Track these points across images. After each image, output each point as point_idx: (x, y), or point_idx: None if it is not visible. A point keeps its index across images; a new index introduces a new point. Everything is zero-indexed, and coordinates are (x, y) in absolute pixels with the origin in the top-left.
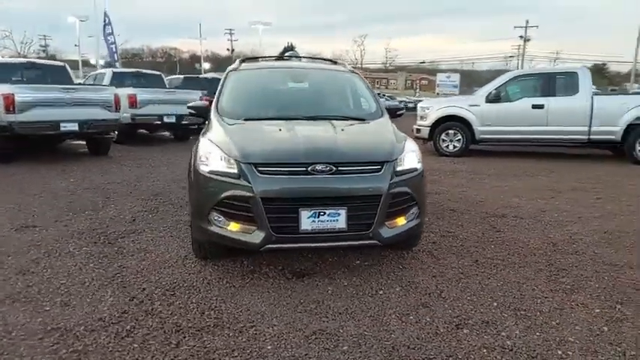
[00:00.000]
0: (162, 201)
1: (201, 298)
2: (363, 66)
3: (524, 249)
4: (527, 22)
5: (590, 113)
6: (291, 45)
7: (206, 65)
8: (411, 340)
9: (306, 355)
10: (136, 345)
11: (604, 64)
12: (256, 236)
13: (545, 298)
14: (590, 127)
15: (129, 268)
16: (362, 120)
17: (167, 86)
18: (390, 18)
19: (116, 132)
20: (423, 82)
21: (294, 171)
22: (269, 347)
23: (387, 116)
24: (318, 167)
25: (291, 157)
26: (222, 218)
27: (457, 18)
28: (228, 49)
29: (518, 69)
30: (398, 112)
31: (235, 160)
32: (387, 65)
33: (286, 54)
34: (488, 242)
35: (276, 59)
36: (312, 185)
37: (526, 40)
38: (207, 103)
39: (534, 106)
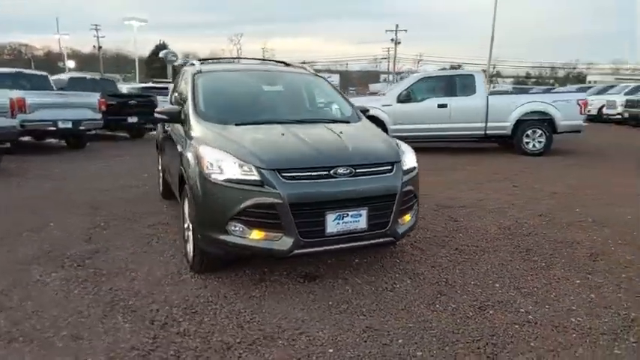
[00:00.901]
0: (107, 215)
1: (229, 312)
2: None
3: (488, 235)
4: (397, 26)
5: (486, 111)
6: (164, 43)
7: (70, 63)
8: (452, 326)
9: (369, 352)
10: None
11: (459, 66)
12: (284, 243)
13: (532, 275)
14: (486, 123)
15: (123, 290)
16: (346, 122)
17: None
18: (269, 19)
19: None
20: None
21: (318, 175)
22: (331, 350)
23: (364, 118)
24: (340, 170)
25: (314, 161)
26: (242, 227)
27: (332, 21)
28: (94, 46)
29: (389, 70)
30: (366, 114)
31: (256, 166)
32: None
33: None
34: (454, 231)
35: (231, 62)
36: (337, 188)
37: (397, 43)
38: (179, 107)
39: (439, 105)
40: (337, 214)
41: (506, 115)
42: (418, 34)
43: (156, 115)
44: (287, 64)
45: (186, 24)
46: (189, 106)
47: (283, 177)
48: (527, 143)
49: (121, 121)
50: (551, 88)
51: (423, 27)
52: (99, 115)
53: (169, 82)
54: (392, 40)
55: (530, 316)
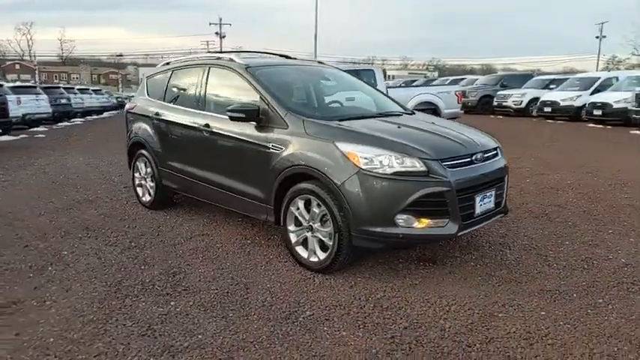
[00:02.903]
0: (128, 234)
1: (411, 302)
2: (37, 58)
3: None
4: (220, 19)
5: None
6: None
7: None
8: (590, 279)
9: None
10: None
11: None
12: (451, 227)
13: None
14: None
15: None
16: (410, 114)
17: None
18: (62, 5)
19: None
20: (113, 76)
21: (465, 162)
22: (543, 313)
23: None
24: (478, 156)
25: (461, 150)
26: (409, 218)
27: (141, 11)
28: None
29: None
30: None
31: (421, 158)
32: (64, 58)
33: None
34: None
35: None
36: (482, 172)
37: (222, 37)
38: (255, 106)
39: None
40: (481, 196)
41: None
42: (241, 28)
43: (230, 114)
44: (288, 57)
45: None
46: (272, 103)
47: (447, 166)
48: None
49: None
50: (430, 81)
51: (245, 20)
52: None
53: None
54: (216, 33)
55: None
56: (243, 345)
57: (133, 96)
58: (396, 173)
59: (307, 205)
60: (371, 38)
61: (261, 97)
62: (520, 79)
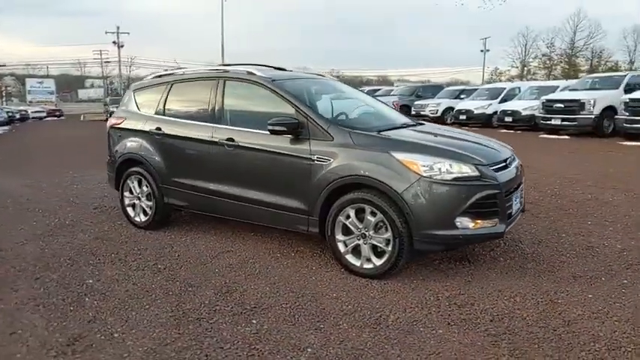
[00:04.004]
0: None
1: (474, 301)
2: None
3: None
4: (118, 28)
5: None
6: None
7: None
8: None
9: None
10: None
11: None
12: (500, 226)
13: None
14: None
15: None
16: (421, 124)
17: None
18: None
19: None
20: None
21: (503, 166)
22: (590, 296)
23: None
24: (509, 160)
25: (498, 155)
26: (467, 220)
27: (20, 16)
28: None
29: (103, 74)
30: None
31: (475, 164)
32: None
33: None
34: None
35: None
36: (514, 174)
37: (120, 46)
38: (295, 120)
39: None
40: (515, 197)
41: None
42: (139, 37)
43: (271, 127)
44: (284, 70)
45: None
46: (311, 115)
47: (495, 170)
48: None
49: None
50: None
51: (144, 29)
52: None
53: None
54: (114, 42)
55: None
56: (358, 353)
57: (23, 110)
58: (455, 179)
59: (358, 214)
60: (273, 46)
61: (297, 110)
62: (432, 89)
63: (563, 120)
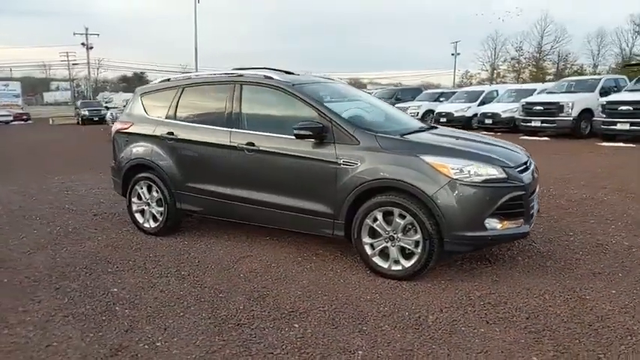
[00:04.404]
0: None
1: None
2: None
3: None
4: (87, 29)
5: None
6: None
7: None
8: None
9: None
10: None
11: (142, 73)
12: (525, 227)
13: None
14: None
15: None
16: (435, 128)
17: None
18: None
19: None
20: None
21: (525, 168)
22: (615, 291)
23: None
24: (529, 163)
25: (520, 157)
26: (495, 221)
27: None
28: None
29: (70, 77)
30: None
31: (502, 166)
32: None
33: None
34: None
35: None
36: (534, 176)
37: (89, 47)
38: (319, 124)
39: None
40: (534, 198)
41: None
42: (108, 38)
43: (297, 132)
44: (291, 73)
45: None
46: (336, 120)
47: (519, 172)
48: None
49: None
50: None
51: (114, 30)
52: None
53: None
54: (82, 44)
55: None
56: (408, 354)
57: None
58: (484, 181)
59: (385, 216)
60: (245, 48)
61: (320, 115)
62: (412, 92)
63: (542, 122)
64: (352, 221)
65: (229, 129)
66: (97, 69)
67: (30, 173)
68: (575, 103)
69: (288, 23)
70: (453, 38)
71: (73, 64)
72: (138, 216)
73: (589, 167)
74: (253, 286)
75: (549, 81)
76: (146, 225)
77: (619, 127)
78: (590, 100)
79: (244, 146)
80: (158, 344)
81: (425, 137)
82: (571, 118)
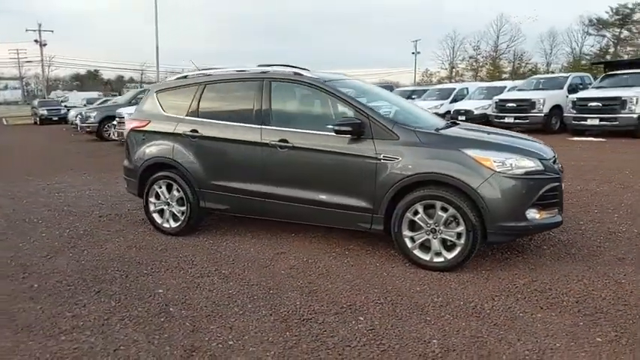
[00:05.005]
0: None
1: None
2: None
3: None
4: (40, 25)
5: None
6: None
7: None
8: None
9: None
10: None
11: (97, 71)
12: (558, 217)
13: None
14: None
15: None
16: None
17: None
18: None
19: None
20: None
21: (554, 161)
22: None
23: None
24: (555, 156)
25: (548, 151)
26: (535, 210)
27: None
28: None
29: (20, 75)
30: None
31: (540, 159)
32: None
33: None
34: None
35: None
36: (560, 169)
37: (42, 44)
38: (358, 120)
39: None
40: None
41: None
42: (62, 35)
43: (338, 128)
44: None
45: None
46: (374, 116)
47: (552, 164)
48: None
49: None
50: None
51: (68, 27)
52: None
53: None
54: (35, 41)
55: None
56: (481, 341)
57: None
58: (526, 173)
59: (425, 210)
60: (204, 48)
61: (357, 111)
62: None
63: (515, 118)
64: (392, 215)
65: (260, 126)
66: (49, 67)
67: (10, 176)
68: (546, 99)
69: (251, 24)
70: (413, 37)
71: (26, 61)
72: (156, 216)
73: (571, 161)
74: (300, 283)
75: (505, 79)
76: (165, 225)
77: (589, 122)
78: (560, 96)
79: (277, 143)
80: (231, 343)
81: (460, 132)
82: (543, 114)
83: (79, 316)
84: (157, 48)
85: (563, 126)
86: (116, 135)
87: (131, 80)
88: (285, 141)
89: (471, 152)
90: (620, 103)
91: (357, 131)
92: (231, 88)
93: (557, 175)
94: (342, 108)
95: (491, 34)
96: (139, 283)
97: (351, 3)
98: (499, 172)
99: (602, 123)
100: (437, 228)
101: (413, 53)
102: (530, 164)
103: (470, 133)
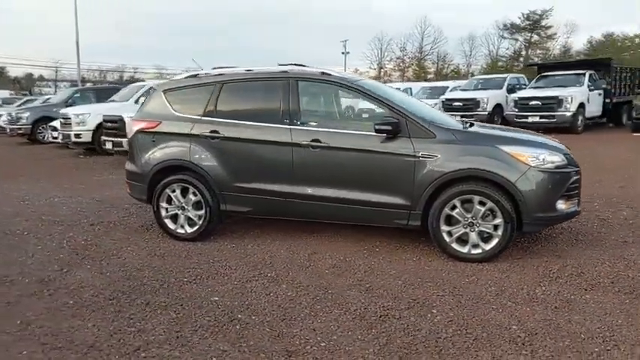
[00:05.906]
0: None
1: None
2: None
3: None
4: None
5: None
6: None
7: None
8: None
9: None
10: None
11: (3, 68)
12: (577, 207)
13: None
14: None
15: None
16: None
17: None
18: None
19: None
20: None
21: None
22: None
23: None
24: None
25: (564, 147)
26: (563, 201)
27: None
28: None
29: None
30: None
31: (563, 153)
32: None
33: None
34: None
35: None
36: None
37: None
38: (396, 120)
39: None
40: None
41: None
42: None
43: (378, 127)
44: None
45: None
46: (410, 115)
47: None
48: None
49: None
50: None
51: None
52: None
53: None
54: None
55: None
56: (554, 324)
57: None
58: (556, 167)
59: (463, 204)
60: (125, 43)
61: (392, 110)
62: None
63: (462, 116)
64: (429, 211)
65: (289, 126)
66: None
67: None
68: (489, 98)
69: (177, 21)
70: (341, 37)
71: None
72: (168, 222)
73: None
74: (351, 281)
75: (430, 79)
76: (180, 231)
77: (530, 120)
78: (500, 96)
79: (309, 143)
80: (323, 344)
81: (487, 130)
82: (486, 113)
83: (144, 330)
84: (77, 43)
85: (504, 123)
86: (60, 137)
87: (41, 78)
88: (318, 141)
89: (507, 148)
90: (557, 102)
91: (396, 130)
92: (253, 88)
93: (578, 168)
94: (375, 107)
95: (417, 36)
96: (186, 291)
97: (280, 4)
98: (533, 166)
99: (541, 120)
100: (474, 221)
101: (342, 53)
102: (557, 159)
103: (495, 131)
